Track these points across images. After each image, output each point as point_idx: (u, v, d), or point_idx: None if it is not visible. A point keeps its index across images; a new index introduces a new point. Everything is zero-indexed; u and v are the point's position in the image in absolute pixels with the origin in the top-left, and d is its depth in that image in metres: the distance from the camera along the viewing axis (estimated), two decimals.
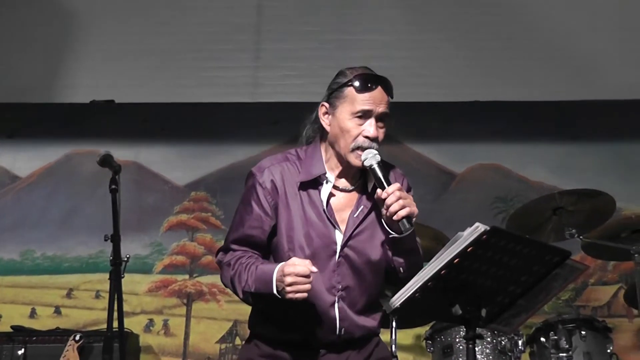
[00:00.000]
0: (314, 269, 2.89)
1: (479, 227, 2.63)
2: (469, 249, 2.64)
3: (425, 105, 6.71)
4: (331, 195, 3.14)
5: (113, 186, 3.68)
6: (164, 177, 6.92)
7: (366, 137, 3.05)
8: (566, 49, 6.57)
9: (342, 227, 3.10)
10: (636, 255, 4.84)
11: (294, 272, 2.86)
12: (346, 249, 3.09)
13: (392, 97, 3.13)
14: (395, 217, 2.95)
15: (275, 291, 2.91)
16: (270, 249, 3.15)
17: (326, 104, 3.16)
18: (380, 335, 3.30)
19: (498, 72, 6.61)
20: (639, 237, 4.94)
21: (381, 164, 3.05)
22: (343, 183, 3.17)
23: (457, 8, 6.82)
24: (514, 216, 5.14)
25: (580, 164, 6.76)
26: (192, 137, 6.92)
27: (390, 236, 3.05)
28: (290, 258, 3.01)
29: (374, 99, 3.06)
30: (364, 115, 3.06)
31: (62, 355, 5.17)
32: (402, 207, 2.95)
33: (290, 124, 6.39)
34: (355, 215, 3.12)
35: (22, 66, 6.85)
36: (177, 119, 6.97)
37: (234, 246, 3.15)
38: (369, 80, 3.09)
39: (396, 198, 2.95)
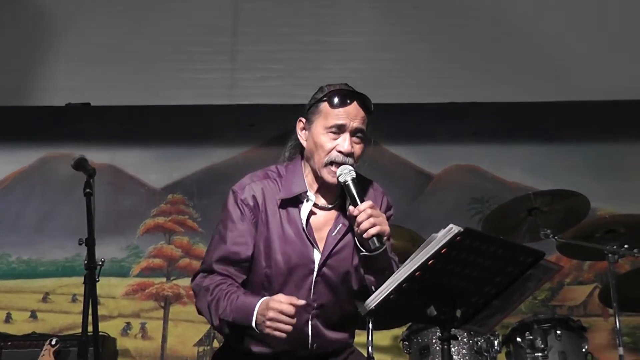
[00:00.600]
0: (300, 302, 2.85)
1: (453, 229, 2.64)
2: (442, 251, 2.65)
3: (402, 106, 6.71)
4: (311, 213, 3.12)
5: (87, 190, 3.65)
6: (140, 180, 6.90)
7: (340, 151, 3.04)
8: (541, 51, 6.61)
9: (321, 245, 3.09)
10: (610, 255, 4.87)
11: (278, 308, 2.81)
12: (324, 269, 3.08)
13: (369, 114, 3.12)
14: (365, 235, 2.94)
15: (254, 324, 2.87)
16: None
17: (303, 119, 3.15)
18: (356, 337, 3.31)
19: (474, 74, 6.63)
20: (613, 237, 4.96)
21: (356, 180, 3.03)
22: (322, 201, 3.16)
23: (434, 10, 6.83)
24: (489, 217, 5.16)
25: (556, 165, 6.81)
26: (169, 139, 6.91)
27: (361, 254, 3.03)
28: (267, 276, 3.03)
29: (347, 114, 3.05)
30: (338, 130, 3.05)
31: None
32: (373, 226, 2.93)
33: (267, 126, 6.53)
34: (333, 234, 3.11)
35: None
36: (153, 122, 6.95)
37: (216, 266, 3.07)
38: (344, 96, 3.08)
39: (367, 216, 2.94)
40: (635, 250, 4.83)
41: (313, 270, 3.07)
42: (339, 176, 3.03)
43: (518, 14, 6.70)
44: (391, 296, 2.71)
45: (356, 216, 2.95)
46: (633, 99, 6.56)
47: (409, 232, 5.18)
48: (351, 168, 3.04)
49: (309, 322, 3.06)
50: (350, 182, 3.02)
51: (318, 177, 3.11)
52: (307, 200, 3.11)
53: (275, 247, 3.06)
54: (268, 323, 2.82)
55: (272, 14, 6.80)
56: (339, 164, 3.04)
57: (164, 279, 6.68)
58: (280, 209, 3.10)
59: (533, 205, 4.96)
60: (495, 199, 6.37)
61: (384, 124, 6.59)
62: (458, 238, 2.64)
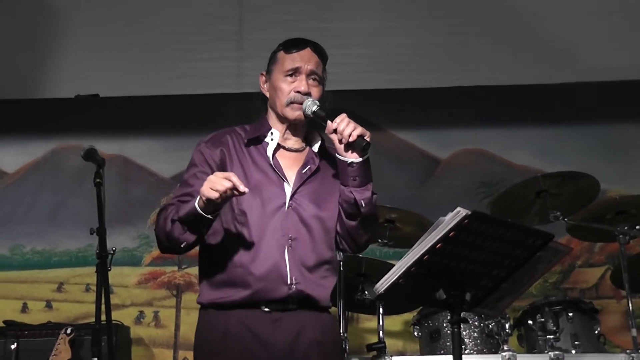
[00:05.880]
0: (243, 187, 2.89)
1: (460, 212, 2.65)
2: (450, 234, 2.66)
3: (407, 91, 6.70)
4: (279, 153, 3.25)
5: (97, 180, 3.69)
6: (150, 170, 6.92)
7: (298, 91, 3.21)
8: (547, 32, 6.55)
9: (291, 181, 3.20)
10: (620, 236, 4.86)
11: (220, 175, 2.91)
12: (294, 201, 3.17)
13: (324, 61, 3.32)
14: (350, 139, 3.06)
15: (196, 204, 2.95)
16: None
17: (264, 73, 3.38)
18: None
19: (479, 57, 6.59)
20: (624, 218, 4.94)
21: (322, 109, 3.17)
22: (290, 143, 3.30)
23: None
24: (497, 200, 5.14)
25: (564, 147, 6.78)
26: (177, 129, 6.89)
27: (349, 161, 3.12)
28: (241, 210, 3.11)
29: (301, 57, 3.27)
30: (295, 72, 3.24)
31: (54, 349, 5.19)
32: (355, 128, 3.06)
33: None
34: (303, 172, 3.23)
35: (5, 62, 6.80)
36: (161, 111, 6.96)
37: (175, 200, 3.19)
38: (298, 42, 3.33)
39: (347, 122, 3.07)
40: None
41: (284, 203, 3.16)
42: (304, 109, 3.19)
43: None
44: (400, 280, 2.73)
45: (335, 129, 3.07)
46: None
47: (417, 216, 5.18)
48: (313, 99, 3.20)
49: (286, 252, 3.10)
50: (317, 110, 3.17)
51: (283, 121, 3.27)
52: (272, 139, 3.25)
53: (246, 180, 3.12)
54: (205, 185, 2.90)
55: (275, 1, 6.77)
56: (299, 103, 3.20)
57: (176, 268, 6.70)
58: (248, 150, 3.24)
59: (542, 187, 4.94)
60: (504, 182, 6.33)
61: (390, 109, 6.67)
62: (466, 221, 2.65)
